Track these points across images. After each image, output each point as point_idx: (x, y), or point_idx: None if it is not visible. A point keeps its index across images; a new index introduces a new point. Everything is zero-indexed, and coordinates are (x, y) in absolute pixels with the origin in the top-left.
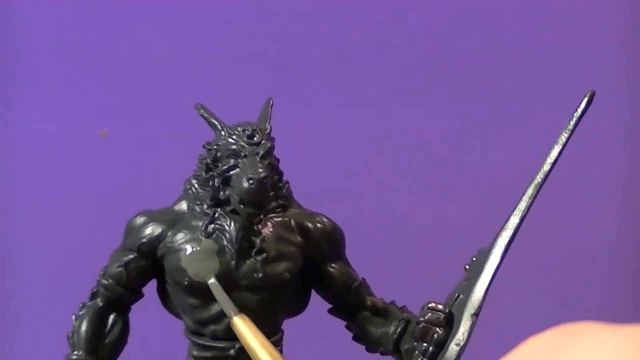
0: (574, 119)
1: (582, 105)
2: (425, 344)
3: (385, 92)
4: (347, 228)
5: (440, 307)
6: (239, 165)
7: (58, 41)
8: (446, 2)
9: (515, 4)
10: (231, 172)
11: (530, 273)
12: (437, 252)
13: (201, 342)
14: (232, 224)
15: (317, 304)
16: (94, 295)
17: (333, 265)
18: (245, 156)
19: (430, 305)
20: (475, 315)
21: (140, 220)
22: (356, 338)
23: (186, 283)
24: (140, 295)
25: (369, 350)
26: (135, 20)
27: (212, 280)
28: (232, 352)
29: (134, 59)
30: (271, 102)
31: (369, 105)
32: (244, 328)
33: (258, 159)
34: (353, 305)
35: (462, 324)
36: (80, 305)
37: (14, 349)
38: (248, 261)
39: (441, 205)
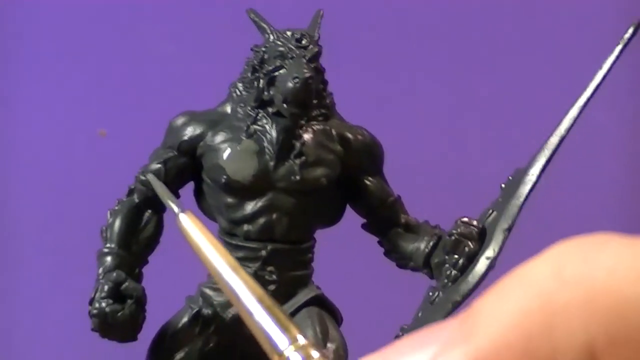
0: (621, 44)
1: (628, 33)
2: (456, 257)
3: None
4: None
5: (474, 222)
6: (285, 66)
7: (58, 41)
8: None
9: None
10: (277, 73)
11: None
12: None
13: (234, 242)
14: (274, 125)
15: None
16: (130, 192)
17: (370, 178)
18: (292, 58)
19: (463, 219)
20: (508, 230)
21: (181, 119)
22: (387, 253)
23: (224, 180)
24: (176, 196)
25: (399, 265)
26: (136, 20)
27: (150, 175)
28: (263, 252)
29: (134, 59)
30: (321, 13)
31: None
32: (191, 225)
33: (304, 61)
34: (387, 220)
35: (494, 239)
36: (117, 200)
37: (14, 348)
38: (286, 163)
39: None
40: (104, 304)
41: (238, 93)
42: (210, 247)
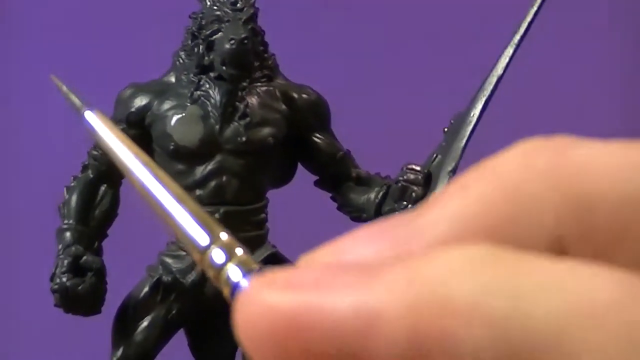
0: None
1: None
2: (404, 203)
3: None
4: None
5: (419, 168)
6: (222, 29)
7: (58, 40)
8: None
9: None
10: (214, 37)
11: None
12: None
13: None
14: (217, 89)
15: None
16: (84, 168)
17: (318, 135)
18: (228, 21)
19: (408, 166)
20: (453, 171)
21: (128, 92)
22: (340, 207)
23: (172, 147)
24: None
25: (353, 219)
26: (136, 20)
27: (52, 76)
28: (216, 216)
29: (134, 59)
30: None
31: None
32: (99, 123)
33: (240, 23)
34: (338, 175)
35: (439, 182)
36: (72, 177)
37: (14, 349)
38: (232, 125)
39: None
40: (64, 279)
41: (181, 61)
42: (120, 144)
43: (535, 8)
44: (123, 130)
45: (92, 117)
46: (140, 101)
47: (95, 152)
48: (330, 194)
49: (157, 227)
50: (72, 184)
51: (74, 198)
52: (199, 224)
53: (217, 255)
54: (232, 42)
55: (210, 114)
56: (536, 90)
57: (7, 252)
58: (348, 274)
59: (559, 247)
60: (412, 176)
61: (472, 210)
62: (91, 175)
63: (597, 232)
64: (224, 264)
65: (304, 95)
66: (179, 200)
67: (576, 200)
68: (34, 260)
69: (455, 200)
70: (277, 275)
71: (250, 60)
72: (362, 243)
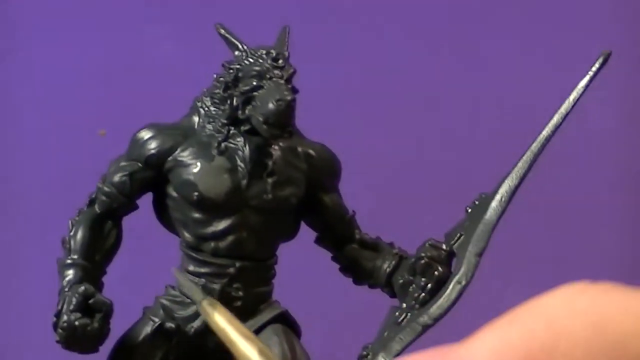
0: (587, 78)
1: (596, 65)
2: (424, 280)
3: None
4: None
5: (443, 245)
6: (264, 86)
7: (58, 40)
8: None
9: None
10: (255, 93)
11: (531, 268)
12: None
13: (200, 257)
14: (247, 143)
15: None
16: (91, 202)
17: (329, 195)
18: (270, 78)
19: (431, 242)
20: (479, 255)
21: (148, 132)
22: (344, 270)
23: (196, 197)
24: (135, 207)
25: (356, 282)
26: (136, 20)
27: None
28: (231, 270)
29: (134, 59)
30: (288, 29)
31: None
32: (223, 315)
33: (284, 83)
34: (343, 236)
35: (464, 264)
36: (77, 210)
37: (14, 349)
38: (259, 182)
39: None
40: (72, 317)
41: (206, 108)
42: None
43: (570, 101)
44: (140, 170)
45: (213, 309)
46: (162, 144)
47: (107, 189)
48: (331, 254)
49: (152, 267)
50: (78, 218)
51: (80, 233)
52: None
53: None
54: (280, 103)
55: (239, 167)
56: (536, 90)
57: (7, 251)
58: None
59: None
60: (435, 253)
61: (514, 342)
62: (98, 211)
63: None
64: None
65: (322, 154)
66: None
67: (610, 341)
68: (34, 260)
69: (498, 332)
70: None
71: (291, 121)
72: None
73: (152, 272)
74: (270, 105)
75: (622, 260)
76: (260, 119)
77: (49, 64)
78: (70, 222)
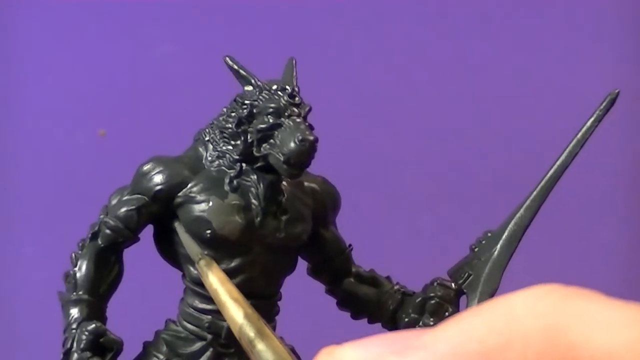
0: (594, 118)
1: (604, 104)
2: (433, 320)
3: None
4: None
5: (452, 284)
6: (283, 124)
7: (58, 40)
8: None
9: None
10: (274, 131)
11: (531, 268)
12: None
13: (207, 294)
14: (262, 181)
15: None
16: (94, 235)
17: (330, 228)
18: (289, 116)
19: (440, 281)
20: (491, 296)
21: (154, 166)
22: (341, 304)
23: (208, 235)
24: (137, 240)
25: (354, 317)
26: (136, 20)
27: (177, 223)
28: None
29: (134, 59)
30: (294, 62)
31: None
32: (217, 276)
33: (301, 120)
34: (340, 270)
35: (471, 302)
36: (80, 244)
37: (14, 349)
38: (272, 220)
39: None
40: (84, 356)
41: (215, 142)
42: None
43: (575, 143)
44: (147, 204)
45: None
46: (170, 179)
47: (112, 222)
48: (326, 287)
49: (150, 300)
50: (82, 252)
51: (85, 268)
52: None
53: None
54: (303, 143)
55: (252, 205)
56: (535, 89)
57: (7, 252)
58: None
59: None
60: (444, 293)
61: (472, 335)
62: (102, 244)
63: None
64: None
65: (325, 188)
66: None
67: (560, 347)
68: (34, 260)
69: (462, 324)
70: None
71: (311, 162)
72: (373, 345)
73: (147, 304)
74: (292, 145)
75: (623, 259)
76: (281, 158)
77: (49, 64)
78: (73, 255)
